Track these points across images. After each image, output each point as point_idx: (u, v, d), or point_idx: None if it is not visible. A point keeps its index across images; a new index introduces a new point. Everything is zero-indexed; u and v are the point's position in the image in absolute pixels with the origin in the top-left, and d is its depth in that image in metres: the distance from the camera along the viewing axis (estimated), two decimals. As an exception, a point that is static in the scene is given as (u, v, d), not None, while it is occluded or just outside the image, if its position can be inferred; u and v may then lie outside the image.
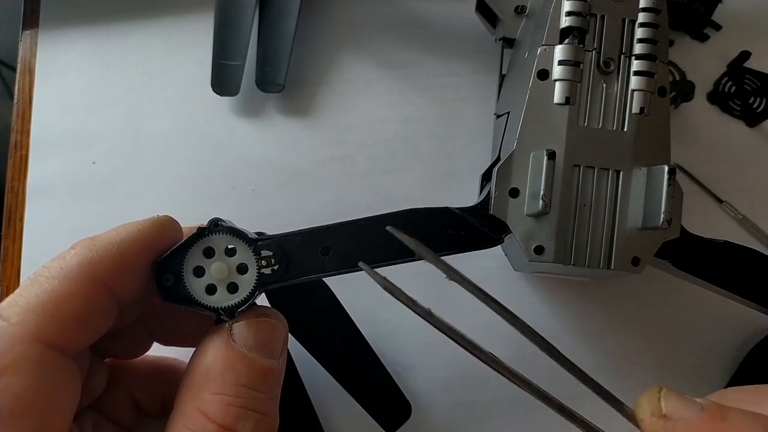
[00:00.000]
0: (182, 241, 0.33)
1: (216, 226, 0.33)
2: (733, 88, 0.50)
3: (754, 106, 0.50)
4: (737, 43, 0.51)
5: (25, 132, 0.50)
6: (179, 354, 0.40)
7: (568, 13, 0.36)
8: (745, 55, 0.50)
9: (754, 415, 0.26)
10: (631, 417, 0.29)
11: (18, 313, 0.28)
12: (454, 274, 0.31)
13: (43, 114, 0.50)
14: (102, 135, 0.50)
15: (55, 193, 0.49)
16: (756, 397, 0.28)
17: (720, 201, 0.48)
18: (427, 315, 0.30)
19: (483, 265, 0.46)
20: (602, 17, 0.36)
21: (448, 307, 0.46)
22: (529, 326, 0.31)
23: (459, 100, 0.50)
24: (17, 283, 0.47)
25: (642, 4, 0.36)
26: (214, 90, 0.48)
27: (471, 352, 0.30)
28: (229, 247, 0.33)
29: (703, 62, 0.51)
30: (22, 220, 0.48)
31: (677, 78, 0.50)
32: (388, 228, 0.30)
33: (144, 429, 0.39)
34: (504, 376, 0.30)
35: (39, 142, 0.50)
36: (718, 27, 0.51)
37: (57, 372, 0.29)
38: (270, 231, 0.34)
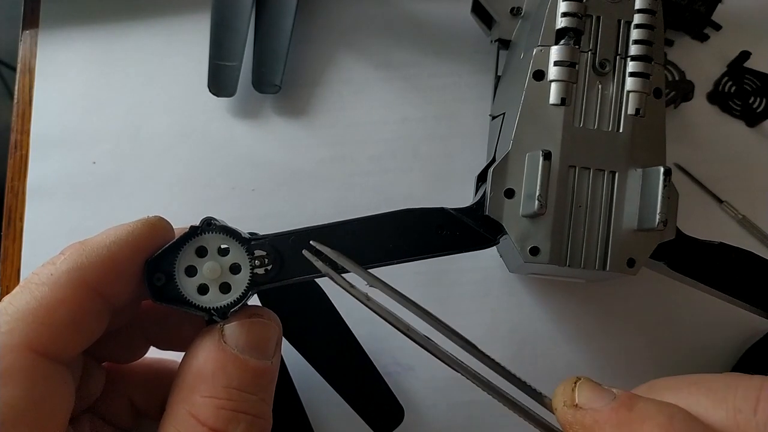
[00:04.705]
0: (174, 240, 0.32)
1: (209, 225, 0.33)
2: (733, 88, 0.50)
3: (754, 106, 0.49)
4: (737, 43, 0.50)
5: (25, 132, 0.50)
6: (178, 357, 0.40)
7: (564, 14, 0.36)
8: (745, 55, 0.50)
9: (660, 404, 0.27)
10: (549, 407, 0.30)
11: (8, 321, 0.28)
12: (375, 282, 0.32)
13: (43, 114, 0.50)
14: (102, 135, 0.50)
15: (55, 193, 0.49)
16: (680, 385, 0.29)
17: (720, 201, 0.48)
18: (365, 300, 0.32)
19: (481, 265, 0.47)
20: (598, 18, 0.36)
21: (447, 308, 0.46)
22: (449, 327, 0.32)
23: (458, 100, 0.50)
24: (17, 283, 0.47)
25: (637, 5, 0.36)
26: (210, 91, 0.48)
27: (407, 335, 0.32)
28: (222, 246, 0.33)
29: (703, 62, 0.51)
30: (22, 220, 0.48)
31: (677, 78, 0.49)
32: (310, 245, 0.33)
33: (142, 430, 0.39)
34: (442, 360, 0.32)
35: (39, 142, 0.50)
36: (718, 27, 0.51)
37: (49, 380, 0.29)
38: (270, 231, 0.34)
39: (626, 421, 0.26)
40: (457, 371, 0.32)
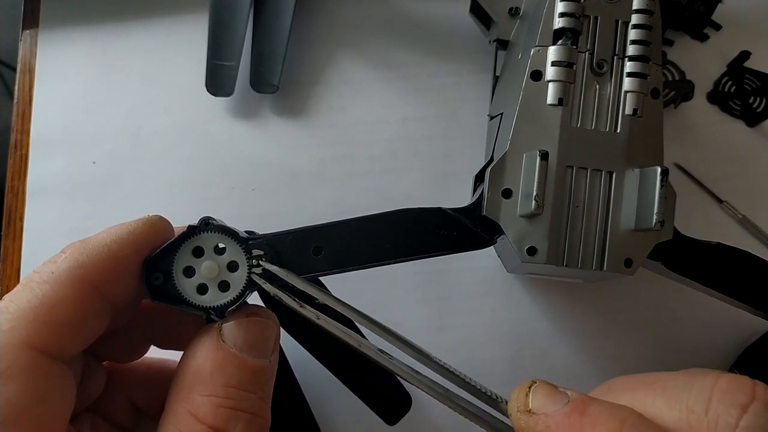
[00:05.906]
0: (172, 239, 0.33)
1: (207, 224, 0.33)
2: (733, 88, 0.50)
3: (754, 106, 0.49)
4: (737, 43, 0.50)
5: (25, 132, 0.50)
6: (179, 356, 0.40)
7: (562, 14, 0.36)
8: (745, 55, 0.50)
9: (612, 407, 0.27)
10: (506, 412, 0.30)
11: (9, 319, 0.28)
12: (327, 298, 0.33)
13: (43, 114, 0.50)
14: (102, 135, 0.50)
15: (55, 193, 0.49)
16: (637, 385, 0.29)
17: (720, 201, 0.48)
18: (315, 318, 0.32)
19: (480, 265, 0.47)
20: (595, 18, 0.36)
21: (447, 308, 0.46)
22: (403, 338, 0.33)
23: (458, 100, 0.50)
24: (17, 283, 0.47)
25: (635, 5, 0.36)
26: (208, 90, 0.48)
27: (359, 351, 0.33)
28: (220, 245, 0.33)
29: (703, 62, 0.51)
30: (22, 219, 0.48)
31: (677, 78, 0.49)
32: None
33: (143, 430, 0.39)
34: (395, 373, 0.32)
35: (39, 142, 0.50)
36: (718, 27, 0.51)
37: (50, 378, 0.29)
38: (270, 231, 0.34)
39: (578, 427, 0.27)
40: (410, 383, 0.32)
